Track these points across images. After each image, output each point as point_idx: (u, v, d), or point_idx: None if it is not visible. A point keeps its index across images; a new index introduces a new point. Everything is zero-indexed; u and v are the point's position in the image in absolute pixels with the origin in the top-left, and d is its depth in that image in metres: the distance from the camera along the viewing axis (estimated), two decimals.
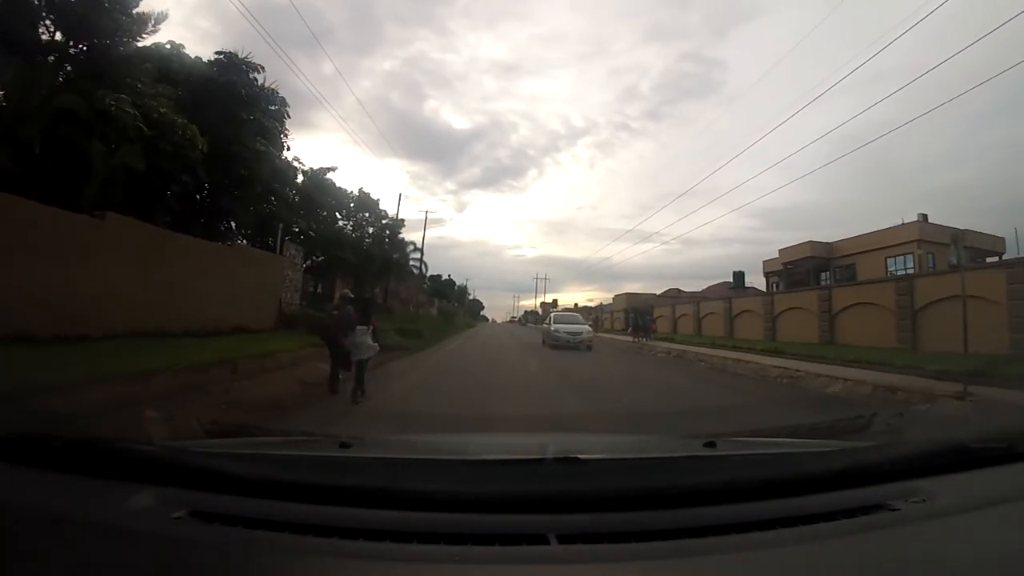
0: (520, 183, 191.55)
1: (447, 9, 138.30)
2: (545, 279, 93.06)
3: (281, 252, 16.91)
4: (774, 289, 34.19)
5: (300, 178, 20.77)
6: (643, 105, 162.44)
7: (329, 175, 22.20)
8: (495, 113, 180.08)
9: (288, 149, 17.83)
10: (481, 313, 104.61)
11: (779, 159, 36.24)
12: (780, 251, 33.76)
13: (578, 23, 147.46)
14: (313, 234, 21.43)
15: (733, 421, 5.74)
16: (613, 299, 52.16)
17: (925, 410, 6.30)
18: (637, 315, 25.72)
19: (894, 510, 1.03)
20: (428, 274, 62.23)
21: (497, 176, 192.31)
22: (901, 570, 0.88)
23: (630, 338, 23.98)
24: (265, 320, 14.77)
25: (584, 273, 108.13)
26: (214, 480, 1.05)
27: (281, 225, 17.10)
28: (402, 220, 29.94)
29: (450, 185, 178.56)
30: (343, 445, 1.44)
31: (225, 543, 0.90)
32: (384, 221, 28.42)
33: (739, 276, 41.88)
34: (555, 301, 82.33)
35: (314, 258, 21.54)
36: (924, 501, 1.06)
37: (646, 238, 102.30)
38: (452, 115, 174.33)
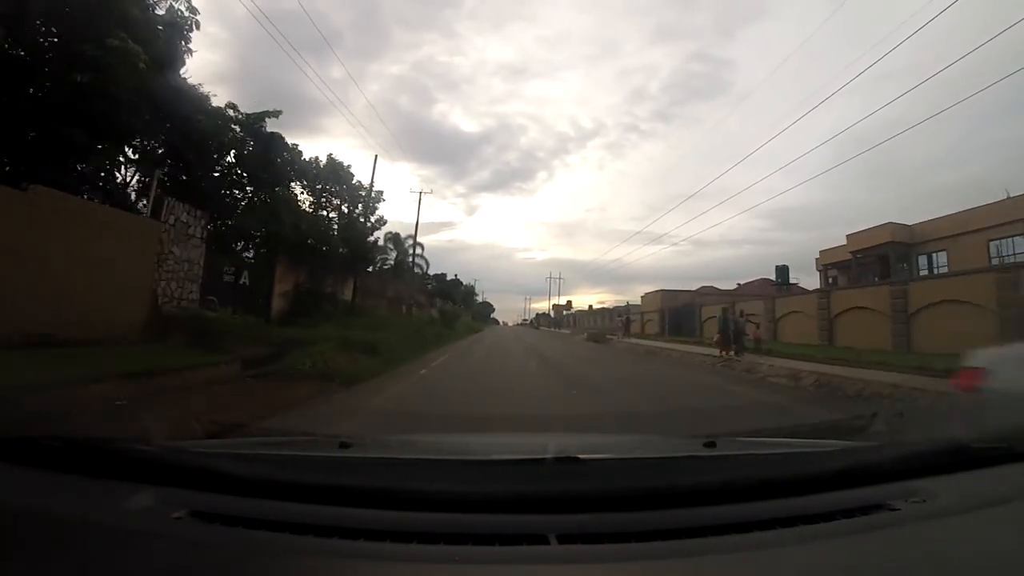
0: (530, 186, 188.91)
1: (453, 12, 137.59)
2: (560, 278, 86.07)
3: (157, 215, 10.88)
4: (830, 284, 29.01)
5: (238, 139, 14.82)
6: (652, 106, 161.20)
7: (270, 123, 15.82)
8: (504, 116, 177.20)
9: (184, 66, 11.95)
10: (491, 316, 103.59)
11: (788, 160, 33.17)
12: (848, 237, 27.81)
13: (585, 24, 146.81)
14: (256, 202, 15.51)
15: None
16: (642, 299, 45.13)
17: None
18: (728, 317, 14.89)
19: (894, 510, 1.02)
20: (432, 273, 56.55)
21: (507, 179, 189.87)
22: (901, 570, 0.88)
23: (715, 350, 15.20)
24: (119, 323, 8.77)
25: (593, 275, 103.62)
26: (214, 480, 1.04)
27: (158, 172, 11.10)
28: (380, 192, 23.20)
29: (460, 188, 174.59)
30: (343, 445, 1.42)
31: (225, 543, 0.90)
32: (360, 192, 21.68)
33: (783, 270, 35.77)
34: (569, 303, 76.20)
35: (254, 235, 15.49)
36: (924, 501, 1.05)
37: (656, 240, 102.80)
38: (461, 118, 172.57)
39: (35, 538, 0.87)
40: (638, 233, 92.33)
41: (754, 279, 44.16)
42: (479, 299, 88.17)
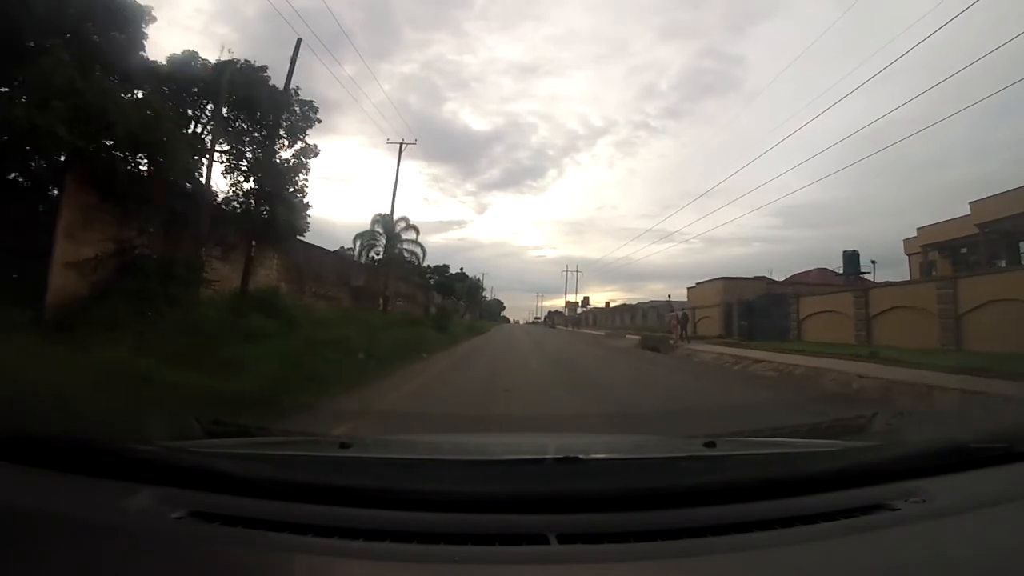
0: (540, 184, 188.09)
1: (463, 11, 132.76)
2: (577, 271, 74.19)
3: None
4: (932, 272, 22.15)
5: None
6: (662, 103, 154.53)
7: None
8: (514, 114, 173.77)
9: None
10: (502, 314, 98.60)
11: (799, 158, 31.93)
12: (972, 205, 20.22)
13: (595, 22, 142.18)
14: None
15: None
16: (689, 292, 34.43)
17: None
18: None
19: (894, 510, 1.02)
20: (435, 265, 48.98)
21: (517, 177, 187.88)
22: (901, 570, 0.87)
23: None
24: None
25: (604, 273, 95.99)
26: (214, 480, 1.03)
27: None
28: (309, 103, 13.14)
29: (470, 187, 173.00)
30: (343, 445, 1.42)
31: (225, 543, 0.89)
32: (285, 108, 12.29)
33: (852, 257, 30.38)
34: (586, 299, 67.87)
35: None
36: (924, 501, 1.04)
37: (667, 237, 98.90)
38: (471, 117, 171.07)
39: (35, 538, 0.87)
40: (648, 231, 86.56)
41: (811, 268, 36.13)
42: (488, 296, 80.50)
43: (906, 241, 25.76)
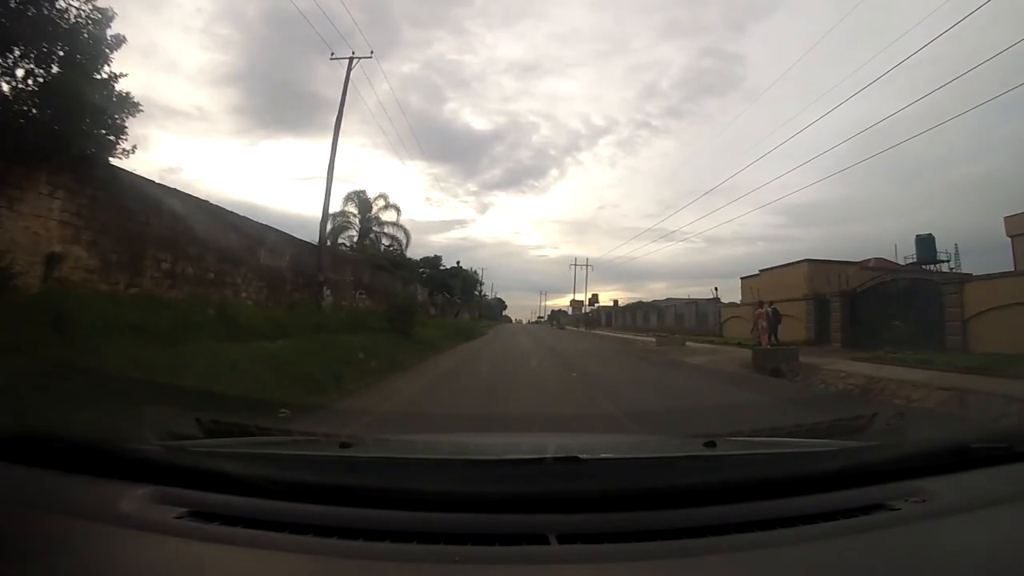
0: (541, 183, 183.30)
1: (464, 10, 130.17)
2: (587, 266, 61.67)
3: None
4: None
5: None
6: (664, 102, 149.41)
7: None
8: (515, 114, 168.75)
9: None
10: (504, 313, 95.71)
11: (803, 156, 24.18)
12: None
13: (596, 21, 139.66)
14: None
15: None
16: (744, 284, 26.56)
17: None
18: None
19: (894, 510, 1.02)
20: (422, 255, 42.55)
21: (518, 177, 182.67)
22: (901, 570, 0.87)
23: None
24: None
25: (606, 272, 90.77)
26: (214, 480, 1.03)
27: None
28: None
29: (472, 187, 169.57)
30: (343, 445, 1.42)
31: (225, 543, 0.89)
32: None
33: (927, 241, 27.34)
34: (595, 296, 60.62)
35: None
36: (924, 501, 1.04)
37: (668, 236, 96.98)
38: (472, 116, 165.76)
39: (35, 538, 0.86)
40: (650, 230, 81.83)
41: (868, 258, 30.61)
42: (489, 294, 73.70)
43: (1008, 219, 19.73)
